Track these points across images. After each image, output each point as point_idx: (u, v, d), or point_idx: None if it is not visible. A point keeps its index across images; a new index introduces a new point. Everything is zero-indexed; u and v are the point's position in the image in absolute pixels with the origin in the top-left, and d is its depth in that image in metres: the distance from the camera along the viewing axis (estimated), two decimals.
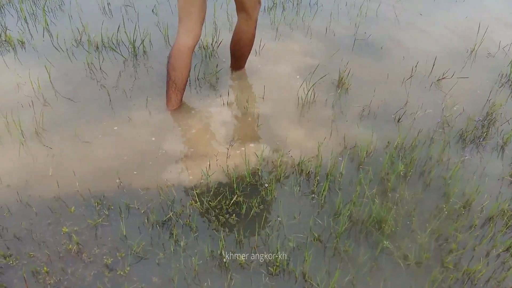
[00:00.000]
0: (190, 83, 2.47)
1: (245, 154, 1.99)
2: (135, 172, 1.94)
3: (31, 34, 2.89)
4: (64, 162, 1.97)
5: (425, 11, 3.37)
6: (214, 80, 2.52)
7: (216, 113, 2.30)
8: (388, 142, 2.14)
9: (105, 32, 2.82)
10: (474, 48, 2.90)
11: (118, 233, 1.68)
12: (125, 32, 2.77)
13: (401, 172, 1.99)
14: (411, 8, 3.38)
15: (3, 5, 3.17)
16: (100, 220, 1.72)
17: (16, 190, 1.82)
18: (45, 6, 3.17)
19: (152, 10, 3.17)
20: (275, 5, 3.32)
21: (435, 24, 3.20)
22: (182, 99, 2.29)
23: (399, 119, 2.29)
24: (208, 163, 1.95)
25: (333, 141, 2.15)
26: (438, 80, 2.58)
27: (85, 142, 2.08)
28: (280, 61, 2.71)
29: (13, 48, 2.74)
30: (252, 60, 2.65)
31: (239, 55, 2.48)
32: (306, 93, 2.39)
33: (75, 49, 2.75)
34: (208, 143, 2.11)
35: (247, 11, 2.25)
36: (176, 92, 2.22)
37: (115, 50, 2.70)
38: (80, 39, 2.81)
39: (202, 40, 2.79)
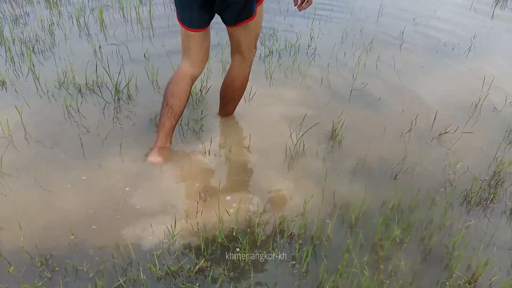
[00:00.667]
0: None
1: (219, 210, 1.76)
2: (94, 227, 1.72)
3: (15, 74, 2.79)
4: (17, 213, 1.76)
5: (426, 63, 3.23)
6: (198, 127, 2.35)
7: (196, 163, 2.11)
8: (383, 202, 1.91)
9: (90, 74, 2.71)
10: (479, 102, 2.72)
11: None
12: (108, 74, 2.65)
13: (397, 238, 1.74)
14: (412, 60, 3.26)
15: None
16: (39, 284, 1.48)
17: None
18: (35, 47, 3.10)
19: (144, 55, 3.08)
20: (271, 53, 3.22)
21: (437, 77, 3.05)
22: (173, 133, 2.12)
23: (396, 176, 2.07)
24: (175, 219, 1.72)
25: (321, 199, 1.92)
26: (440, 134, 2.37)
27: (46, 191, 1.88)
28: (271, 109, 2.55)
29: None
30: (241, 107, 2.49)
31: (228, 99, 2.33)
32: (295, 143, 2.20)
33: (56, 91, 2.63)
34: (182, 196, 1.90)
35: (242, 53, 2.13)
36: (171, 118, 2.05)
37: (96, 93, 2.56)
38: (64, 81, 2.69)
39: None
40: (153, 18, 3.71)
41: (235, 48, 2.12)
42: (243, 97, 2.40)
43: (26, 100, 2.51)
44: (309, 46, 3.37)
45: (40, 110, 2.45)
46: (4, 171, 1.97)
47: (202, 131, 2.32)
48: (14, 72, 2.82)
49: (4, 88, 2.65)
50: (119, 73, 2.69)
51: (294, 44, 3.33)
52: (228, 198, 1.88)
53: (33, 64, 2.87)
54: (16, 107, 2.33)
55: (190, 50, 2.03)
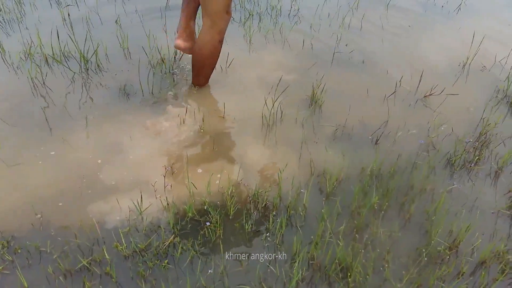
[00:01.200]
0: (142, 98, 2.19)
1: (189, 183, 1.68)
2: (60, 204, 1.64)
3: None
4: None
5: (414, 23, 3.09)
6: (171, 96, 2.23)
7: (167, 134, 2.00)
8: (362, 169, 1.83)
9: (58, 44, 2.56)
10: (466, 62, 2.60)
11: (18, 286, 1.37)
12: (74, 43, 2.50)
13: (375, 205, 1.67)
14: (399, 20, 3.10)
15: None
16: (0, 268, 1.41)
17: None
18: (1, 17, 2.93)
19: (116, 21, 2.91)
20: (251, 16, 3.06)
21: (424, 37, 2.91)
22: (196, 14, 2.20)
23: (377, 140, 1.98)
24: (142, 195, 1.64)
25: (298, 167, 1.84)
26: (424, 96, 2.27)
27: (11, 168, 1.79)
28: (249, 75, 2.42)
29: None
30: (217, 74, 2.37)
31: (198, 67, 2.20)
32: (272, 110, 2.10)
33: (22, 62, 2.48)
34: (151, 170, 1.81)
35: (210, 17, 1.98)
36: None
37: (62, 64, 2.43)
38: (29, 52, 2.54)
39: (162, 53, 2.52)
40: None
41: (203, 11, 1.98)
42: (219, 64, 2.27)
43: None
44: (291, 7, 3.20)
45: (4, 83, 2.32)
46: None
47: (175, 100, 2.21)
48: None
49: None
50: (85, 40, 2.53)
51: (276, 6, 3.16)
52: (200, 170, 1.79)
53: None
54: None
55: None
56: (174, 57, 2.52)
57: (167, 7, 3.09)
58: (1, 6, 3.04)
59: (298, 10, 3.17)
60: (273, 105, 2.12)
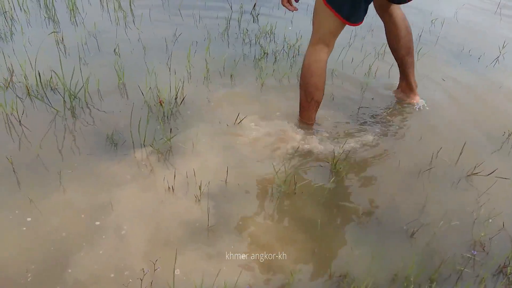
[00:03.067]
0: (131, 151, 1.83)
1: (173, 284, 1.31)
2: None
3: None
4: None
5: (447, 76, 2.74)
6: (165, 149, 1.88)
7: (152, 201, 1.63)
8: (394, 275, 1.45)
9: (44, 72, 2.23)
10: None
11: None
12: (60, 77, 2.16)
13: None
14: (430, 71, 2.76)
15: None
16: None
17: None
18: None
19: (115, 50, 2.59)
20: (265, 54, 2.73)
21: (460, 94, 2.56)
22: None
23: (413, 233, 1.61)
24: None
25: (312, 266, 1.46)
26: (468, 176, 1.90)
27: None
28: (258, 132, 2.07)
29: None
30: (221, 128, 2.03)
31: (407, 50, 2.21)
32: (283, 179, 1.74)
33: (0, 93, 2.14)
34: (129, 258, 1.44)
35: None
36: (316, 109, 2.05)
37: (43, 100, 2.09)
38: (10, 81, 2.21)
39: (160, 93, 2.18)
40: (133, 5, 3.22)
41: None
42: (223, 118, 1.97)
43: None
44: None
45: None
46: None
47: (170, 155, 1.85)
48: None
49: None
50: (73, 71, 2.20)
51: (294, 45, 2.84)
52: (177, 272, 1.41)
53: None
54: None
55: (334, 38, 1.90)
56: (175, 100, 2.17)
57: (175, 40, 2.77)
58: None
59: None
60: (285, 173, 1.76)
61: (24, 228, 1.48)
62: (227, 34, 2.90)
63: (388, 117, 2.26)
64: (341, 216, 1.66)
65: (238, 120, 2.06)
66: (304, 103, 2.01)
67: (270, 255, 1.46)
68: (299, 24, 3.12)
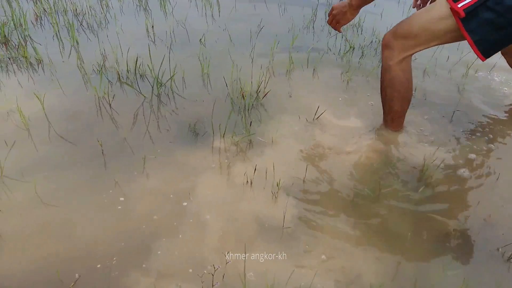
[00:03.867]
0: (211, 143, 1.84)
1: (244, 278, 1.28)
2: (98, 266, 1.32)
3: (56, 52, 2.48)
4: (2, 241, 1.41)
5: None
6: (245, 142, 1.86)
7: (230, 195, 1.62)
8: None
9: (134, 59, 2.32)
10: None
11: None
12: (150, 66, 2.23)
13: None
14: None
15: (41, 16, 2.84)
16: None
17: None
18: (84, 21, 2.78)
19: (200, 40, 2.63)
20: (351, 49, 2.61)
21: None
22: None
23: (510, 257, 1.43)
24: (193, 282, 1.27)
25: (398, 281, 1.35)
26: None
27: (48, 208, 1.52)
28: (345, 128, 1.97)
29: (26, 67, 2.33)
30: (303, 125, 1.96)
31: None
32: (367, 183, 1.63)
33: (94, 76, 2.27)
34: (202, 250, 1.44)
35: None
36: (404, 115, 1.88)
37: (132, 86, 2.17)
38: (103, 65, 2.33)
39: (243, 85, 2.17)
40: None
41: None
42: (304, 116, 1.90)
43: (61, 84, 2.19)
44: None
45: (72, 96, 2.11)
46: (7, 175, 1.64)
47: (249, 149, 1.83)
48: (57, 49, 2.51)
49: (40, 67, 2.35)
50: (163, 60, 2.26)
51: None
52: (262, 260, 1.38)
53: (77, 41, 2.55)
54: (35, 95, 2.00)
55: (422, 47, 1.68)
56: (257, 93, 2.15)
57: (259, 32, 2.74)
58: (88, 9, 2.91)
59: None
60: (369, 176, 1.65)
61: (104, 207, 1.54)
62: (312, 27, 2.81)
63: (488, 124, 2.04)
64: (428, 230, 1.52)
65: (318, 115, 1.98)
66: (391, 113, 1.86)
67: (346, 262, 1.38)
68: (389, 18, 2.95)
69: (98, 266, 1.32)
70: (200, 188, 1.62)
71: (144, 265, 1.33)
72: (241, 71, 2.29)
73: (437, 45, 1.68)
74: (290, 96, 2.14)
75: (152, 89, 2.16)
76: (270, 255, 1.38)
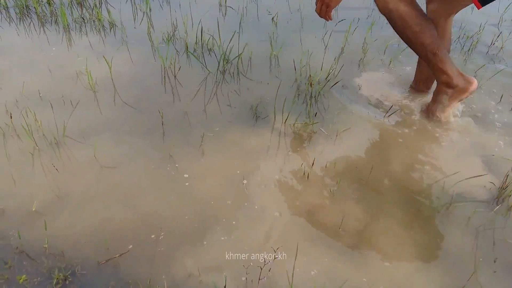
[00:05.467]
0: (271, 127, 1.76)
1: (292, 275, 1.21)
2: (153, 236, 1.31)
3: (129, 17, 2.49)
4: (60, 199, 1.43)
5: None
6: (306, 134, 1.76)
7: (284, 185, 1.54)
8: None
9: (202, 33, 2.27)
10: None
11: None
12: (218, 42, 2.17)
13: None
14: None
15: None
16: None
17: None
18: None
19: (273, 19, 2.52)
20: None
21: None
22: None
23: None
24: (224, 277, 1.22)
25: None
26: None
27: (106, 171, 1.53)
28: (413, 131, 1.81)
29: (99, 30, 2.36)
30: (376, 123, 1.82)
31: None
32: (436, 194, 1.48)
33: (162, 46, 2.25)
34: (255, 240, 1.38)
35: None
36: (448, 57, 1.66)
37: (199, 60, 2.12)
38: (173, 35, 2.30)
39: (312, 71, 2.05)
40: None
41: None
42: (371, 108, 1.75)
43: (130, 50, 2.20)
44: (492, 43, 2.43)
45: (141, 63, 2.11)
46: (68, 135, 1.67)
47: (311, 140, 1.72)
48: (130, 14, 2.52)
49: (112, 31, 2.37)
50: (232, 37, 2.19)
51: (472, 37, 2.43)
52: (308, 257, 1.29)
53: (150, 8, 2.54)
54: (105, 59, 2.02)
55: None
56: (326, 81, 2.02)
57: (336, 15, 2.58)
58: None
59: (501, 49, 2.39)
60: (440, 186, 1.50)
61: (164, 186, 1.51)
62: None
63: None
64: (504, 260, 1.35)
65: (390, 113, 1.83)
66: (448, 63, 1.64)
67: (405, 275, 1.26)
68: (480, 12, 2.66)
69: (150, 238, 1.31)
70: (255, 175, 1.55)
71: (193, 248, 1.29)
72: (311, 56, 2.17)
73: None
74: (360, 88, 2.00)
75: (218, 65, 2.10)
76: (322, 257, 1.29)
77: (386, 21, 1.67)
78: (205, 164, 1.58)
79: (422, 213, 1.45)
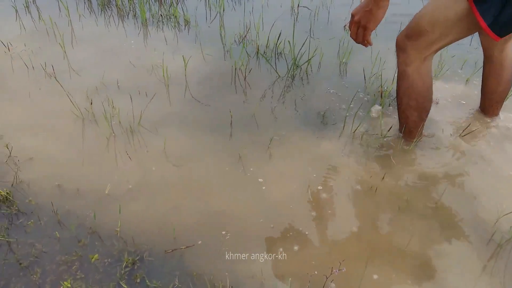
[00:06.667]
0: (339, 136, 1.73)
1: None
2: (221, 231, 1.34)
3: (202, 15, 2.56)
4: (132, 186, 1.49)
5: None
6: (377, 146, 1.71)
7: (353, 199, 1.51)
8: None
9: (273, 36, 2.28)
10: None
11: None
12: (289, 43, 2.18)
13: None
14: None
15: None
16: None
17: (62, 196, 1.43)
18: None
19: (344, 27, 2.50)
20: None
21: None
22: None
23: None
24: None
25: None
26: None
27: (180, 168, 1.57)
28: (496, 157, 1.72)
29: (174, 26, 2.44)
30: (450, 141, 1.75)
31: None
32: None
33: (234, 46, 2.29)
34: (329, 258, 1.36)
35: None
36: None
37: (267, 61, 2.14)
38: (245, 37, 2.34)
39: (383, 82, 2.00)
40: None
41: None
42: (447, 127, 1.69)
43: (202, 48, 2.25)
44: None
45: (209, 63, 2.16)
46: (143, 124, 1.73)
47: (382, 155, 1.68)
48: (204, 13, 2.59)
49: (187, 28, 2.44)
50: (303, 43, 2.19)
51: None
52: (376, 277, 1.26)
53: (223, 8, 2.59)
54: (183, 57, 2.08)
55: (448, 37, 1.42)
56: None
57: None
58: None
59: None
60: None
61: (233, 186, 1.53)
62: None
63: None
64: None
65: (466, 133, 1.75)
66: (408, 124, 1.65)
67: None
68: None
69: (218, 235, 1.33)
70: (320, 183, 1.54)
71: (261, 251, 1.30)
72: (384, 65, 2.12)
73: (453, 40, 1.42)
74: (437, 103, 1.93)
75: (288, 69, 2.10)
76: (387, 275, 1.25)
77: (466, 38, 1.60)
78: (278, 169, 1.58)
79: (494, 241, 1.37)
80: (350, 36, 1.42)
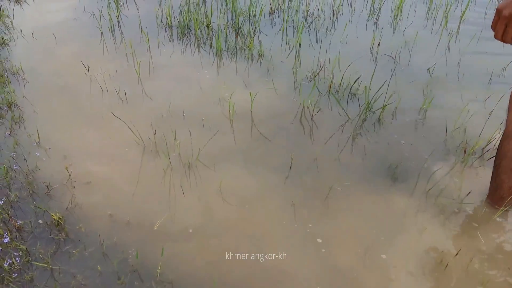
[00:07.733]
0: (410, 194, 1.55)
1: None
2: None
3: (278, 50, 2.51)
4: (181, 223, 1.44)
5: None
6: (452, 213, 1.50)
7: (417, 271, 1.32)
8: None
9: (348, 76, 2.16)
10: None
11: None
12: (365, 85, 2.04)
13: None
14: None
15: (274, 11, 2.92)
16: None
17: (112, 227, 1.42)
18: (312, 23, 2.75)
19: (428, 70, 2.30)
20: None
21: None
22: None
23: None
24: None
25: None
26: None
27: (241, 210, 1.50)
28: None
29: (248, 58, 2.41)
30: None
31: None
32: None
33: (305, 83, 2.20)
34: None
35: None
36: None
37: (337, 102, 2.01)
38: (317, 74, 2.24)
39: (469, 137, 1.78)
40: (463, 23, 2.81)
41: None
42: None
43: (272, 82, 2.19)
44: None
45: (277, 99, 2.09)
46: (201, 159, 1.69)
47: (455, 223, 1.47)
48: (279, 47, 2.54)
49: (259, 61, 2.41)
50: (381, 87, 2.04)
51: None
52: None
53: (300, 43, 2.53)
54: (250, 93, 2.03)
55: None
56: (482, 152, 1.74)
57: (502, 74, 2.25)
58: (319, 12, 2.87)
59: None
60: None
61: (288, 236, 1.42)
62: None
63: None
64: None
65: None
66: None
67: None
68: None
69: None
70: (392, 249, 1.36)
71: None
72: (471, 118, 1.90)
73: None
74: None
75: (360, 113, 1.96)
76: None
77: None
78: (338, 226, 1.44)
79: None
80: (495, 37, 1.21)
